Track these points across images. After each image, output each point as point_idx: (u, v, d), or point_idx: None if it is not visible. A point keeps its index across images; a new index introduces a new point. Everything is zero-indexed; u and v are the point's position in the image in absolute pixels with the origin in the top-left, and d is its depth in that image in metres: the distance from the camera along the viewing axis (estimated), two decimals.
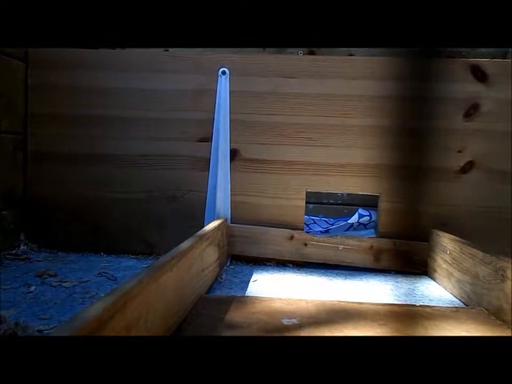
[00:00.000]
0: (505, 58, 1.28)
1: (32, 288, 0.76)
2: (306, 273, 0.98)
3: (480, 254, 0.74)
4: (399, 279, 0.96)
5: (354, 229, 1.15)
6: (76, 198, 1.07)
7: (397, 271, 1.01)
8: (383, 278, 0.96)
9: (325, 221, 1.20)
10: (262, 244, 1.04)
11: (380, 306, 0.68)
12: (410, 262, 1.01)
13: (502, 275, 0.66)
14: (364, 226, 1.15)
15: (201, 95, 1.06)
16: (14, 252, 1.01)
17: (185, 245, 0.63)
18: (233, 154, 1.06)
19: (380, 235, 1.04)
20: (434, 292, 0.87)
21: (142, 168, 1.07)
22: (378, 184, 1.04)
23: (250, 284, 0.86)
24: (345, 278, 0.95)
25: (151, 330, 0.45)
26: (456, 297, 0.82)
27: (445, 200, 1.02)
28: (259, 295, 0.75)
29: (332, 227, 1.14)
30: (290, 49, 1.22)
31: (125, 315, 0.38)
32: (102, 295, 0.73)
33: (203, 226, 0.86)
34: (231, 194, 1.05)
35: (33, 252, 1.03)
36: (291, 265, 1.05)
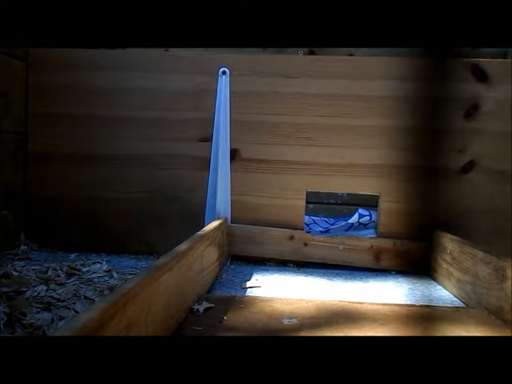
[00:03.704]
0: (505, 58, 1.28)
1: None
2: (306, 273, 0.98)
3: (480, 254, 0.74)
4: (399, 279, 0.96)
5: (355, 229, 1.15)
6: (76, 198, 1.07)
7: (397, 271, 1.01)
8: (383, 278, 0.97)
9: (325, 221, 1.20)
10: (262, 244, 1.04)
11: (380, 306, 0.68)
12: (410, 262, 1.01)
13: (502, 275, 0.66)
14: (364, 226, 1.15)
15: (201, 95, 1.06)
16: (14, 251, 1.01)
17: (185, 245, 0.63)
18: (233, 154, 1.06)
19: (380, 235, 1.04)
20: (434, 292, 0.87)
21: (142, 168, 1.07)
22: (378, 184, 1.04)
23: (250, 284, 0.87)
24: (345, 278, 0.95)
25: (151, 330, 0.45)
26: (456, 297, 0.82)
27: (445, 200, 1.02)
28: (259, 295, 0.75)
29: (332, 227, 1.14)
30: (290, 49, 1.22)
31: (125, 315, 0.38)
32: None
33: (203, 226, 0.86)
34: (231, 194, 1.05)
35: (33, 252, 1.03)
36: (291, 265, 1.05)
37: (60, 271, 0.86)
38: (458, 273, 0.82)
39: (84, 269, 0.89)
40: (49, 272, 0.85)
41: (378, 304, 0.70)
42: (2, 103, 0.99)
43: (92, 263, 0.93)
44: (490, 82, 1.02)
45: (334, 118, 1.05)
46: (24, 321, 0.61)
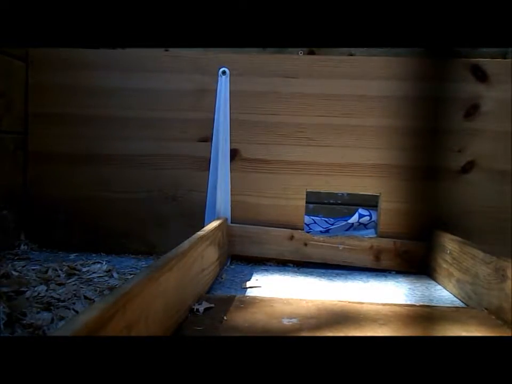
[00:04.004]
0: (505, 58, 1.28)
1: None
2: (306, 273, 0.98)
3: (480, 254, 0.74)
4: (399, 279, 0.96)
5: (355, 229, 1.15)
6: (76, 198, 1.07)
7: (397, 271, 1.01)
8: (383, 278, 0.96)
9: (325, 221, 1.20)
10: (262, 244, 1.04)
11: (380, 306, 0.68)
12: (411, 262, 1.01)
13: (502, 275, 0.66)
14: (364, 226, 1.15)
15: (201, 95, 1.06)
16: (14, 251, 1.01)
17: (185, 245, 0.63)
18: (233, 154, 1.06)
19: (380, 235, 1.04)
20: (434, 292, 0.87)
21: (142, 168, 1.07)
22: (378, 184, 1.04)
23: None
24: (345, 278, 0.95)
25: (151, 330, 0.45)
26: (456, 297, 0.82)
27: (445, 200, 1.02)
28: (259, 295, 0.75)
29: (332, 227, 1.14)
30: (290, 49, 1.22)
31: (125, 315, 0.38)
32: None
33: (203, 226, 0.86)
34: (231, 194, 1.05)
35: (33, 252, 1.03)
36: (291, 265, 1.05)
37: (59, 271, 0.86)
38: (458, 273, 0.82)
39: (84, 269, 0.89)
40: (49, 272, 0.85)
41: (378, 304, 0.70)
42: (2, 103, 0.99)
43: (92, 263, 0.93)
44: (490, 82, 1.02)
45: (334, 118, 1.05)
46: (24, 321, 0.61)
